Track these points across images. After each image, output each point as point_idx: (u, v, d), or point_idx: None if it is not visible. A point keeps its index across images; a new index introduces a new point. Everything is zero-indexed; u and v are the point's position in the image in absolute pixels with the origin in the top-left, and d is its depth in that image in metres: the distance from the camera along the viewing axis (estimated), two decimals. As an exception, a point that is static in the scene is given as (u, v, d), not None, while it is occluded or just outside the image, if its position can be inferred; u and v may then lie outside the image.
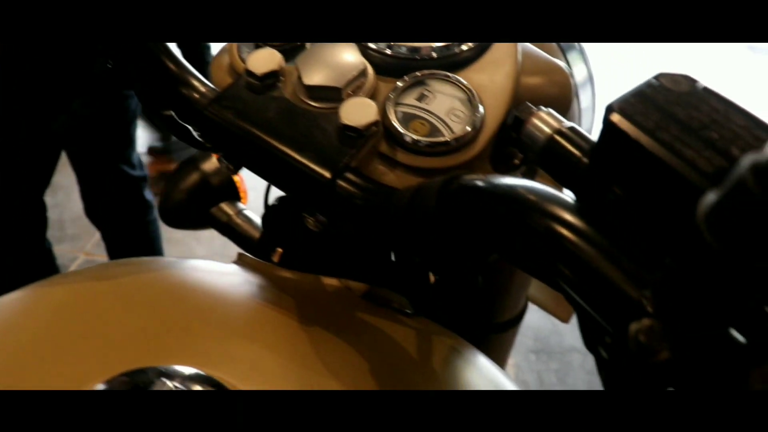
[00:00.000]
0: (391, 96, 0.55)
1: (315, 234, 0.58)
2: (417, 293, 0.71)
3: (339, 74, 0.55)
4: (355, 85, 0.55)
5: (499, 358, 0.88)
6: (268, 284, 0.59)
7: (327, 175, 0.50)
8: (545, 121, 0.45)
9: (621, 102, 0.36)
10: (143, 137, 3.13)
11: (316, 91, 0.55)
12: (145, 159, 3.02)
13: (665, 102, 0.37)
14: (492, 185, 0.41)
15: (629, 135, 0.35)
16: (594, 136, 0.41)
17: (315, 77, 0.55)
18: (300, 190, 0.53)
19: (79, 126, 1.86)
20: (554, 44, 0.76)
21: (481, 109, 0.54)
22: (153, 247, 2.16)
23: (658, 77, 0.38)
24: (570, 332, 2.22)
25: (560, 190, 0.41)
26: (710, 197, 0.27)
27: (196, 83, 0.58)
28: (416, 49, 0.57)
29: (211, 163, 1.00)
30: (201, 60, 2.21)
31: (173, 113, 0.60)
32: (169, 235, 2.37)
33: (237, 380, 0.47)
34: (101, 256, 2.50)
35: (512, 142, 0.50)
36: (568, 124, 0.44)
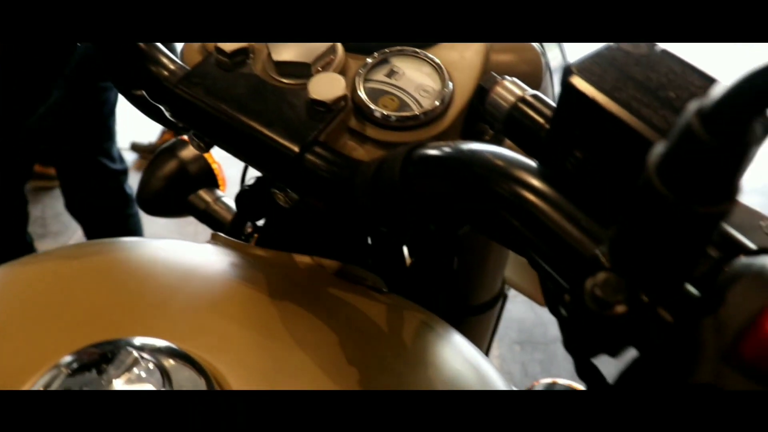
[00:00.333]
0: (361, 72, 0.55)
1: (286, 211, 0.58)
2: (393, 273, 0.71)
3: (308, 50, 0.55)
4: (324, 61, 0.56)
5: (477, 341, 0.88)
6: (241, 262, 0.59)
7: (295, 149, 0.50)
8: (509, 89, 0.45)
9: (579, 63, 0.37)
10: (127, 132, 3.13)
11: (285, 67, 0.55)
12: (130, 155, 3.01)
13: (623, 63, 0.37)
14: (452, 151, 0.41)
15: (587, 95, 0.35)
16: None
17: (284, 53, 0.55)
18: (269, 165, 0.53)
19: (58, 118, 1.85)
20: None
21: (450, 84, 0.54)
22: None
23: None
24: (554, 323, 2.21)
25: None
26: (659, 147, 0.28)
27: (165, 61, 0.58)
28: None
29: (189, 150, 1.00)
30: None
31: (145, 93, 0.60)
32: (151, 229, 2.36)
33: (206, 353, 0.47)
34: (84, 252, 2.49)
35: (482, 118, 0.51)
36: (532, 92, 0.45)
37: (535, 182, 0.38)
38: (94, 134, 1.98)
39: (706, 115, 0.25)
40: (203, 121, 0.55)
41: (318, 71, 0.55)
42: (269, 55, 0.55)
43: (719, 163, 0.25)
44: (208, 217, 0.97)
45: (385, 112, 0.53)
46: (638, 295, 0.31)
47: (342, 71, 0.56)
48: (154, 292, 0.53)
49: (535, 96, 0.44)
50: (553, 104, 0.44)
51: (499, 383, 0.55)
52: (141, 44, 0.59)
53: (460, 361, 0.56)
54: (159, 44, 0.60)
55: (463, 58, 0.56)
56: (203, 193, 0.99)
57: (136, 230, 2.15)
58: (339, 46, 0.57)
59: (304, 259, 0.60)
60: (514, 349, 2.20)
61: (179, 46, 0.62)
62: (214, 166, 1.02)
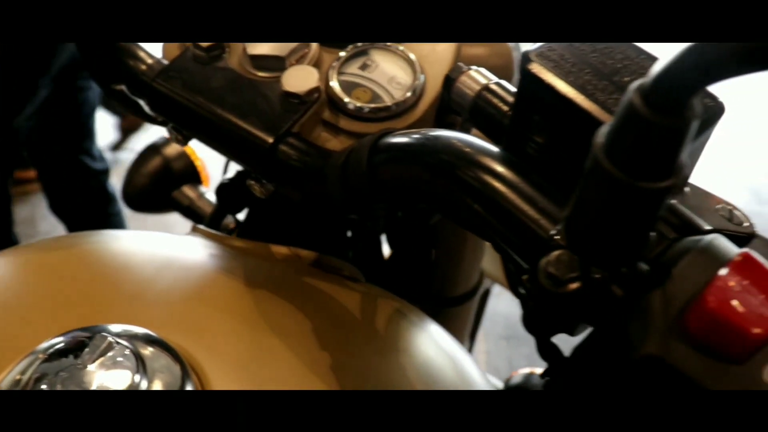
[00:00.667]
0: (334, 65, 0.56)
1: (264, 202, 0.59)
2: (371, 265, 0.72)
3: (282, 44, 0.56)
4: (298, 54, 0.57)
5: (456, 332, 0.89)
6: (219, 252, 0.60)
7: (269, 140, 0.52)
8: (474, 79, 0.46)
9: (538, 51, 0.38)
10: (110, 132, 3.13)
11: (260, 61, 0.56)
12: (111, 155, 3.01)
13: (581, 51, 0.38)
14: (416, 138, 0.43)
15: (544, 80, 0.37)
16: None
17: (259, 47, 0.56)
18: (244, 156, 0.54)
19: (43, 117, 1.85)
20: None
21: (421, 77, 0.55)
22: None
23: None
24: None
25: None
26: (605, 126, 0.29)
27: (143, 56, 0.59)
28: None
29: (173, 147, 1.01)
30: None
31: (124, 87, 0.61)
32: (137, 229, 2.36)
33: (182, 340, 0.48)
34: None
35: (452, 109, 0.52)
36: (496, 80, 0.46)
37: (494, 166, 0.39)
38: (75, 133, 1.98)
39: (646, 92, 0.26)
40: (181, 114, 0.56)
41: (292, 64, 0.56)
42: (245, 49, 0.56)
43: (661, 138, 0.27)
44: (191, 212, 0.98)
45: (358, 104, 0.54)
46: (591, 272, 0.32)
47: (316, 64, 0.57)
48: (132, 282, 0.54)
49: (498, 84, 0.45)
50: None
51: (471, 369, 0.56)
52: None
53: (433, 347, 0.57)
54: None
55: (435, 52, 0.57)
56: (187, 189, 1.00)
57: (120, 229, 2.15)
58: (313, 39, 0.58)
59: (281, 250, 0.61)
60: (501, 344, 2.22)
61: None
62: (197, 162, 1.03)
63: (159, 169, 1.00)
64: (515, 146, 0.41)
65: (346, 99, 0.54)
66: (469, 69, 0.47)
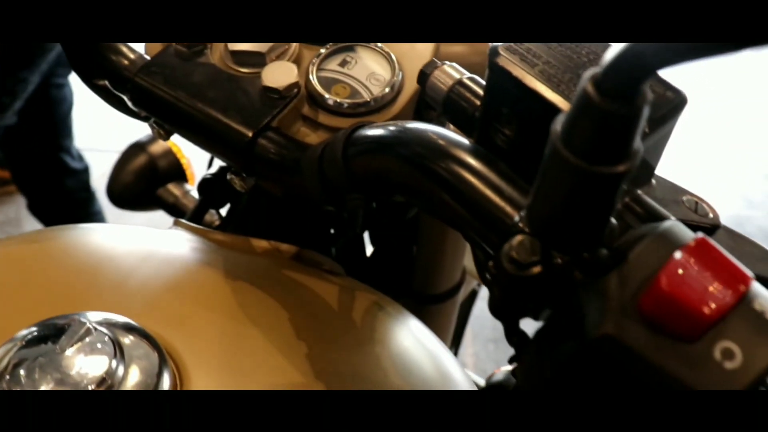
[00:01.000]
0: (314, 61, 0.57)
1: (244, 196, 0.60)
2: (352, 261, 0.73)
3: None
4: (279, 50, 0.58)
5: (438, 330, 0.90)
6: (200, 246, 0.61)
7: (248, 134, 0.53)
8: (447, 73, 0.47)
9: (506, 45, 0.39)
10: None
11: (241, 56, 0.57)
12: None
13: (547, 45, 0.39)
14: (388, 130, 0.44)
15: (511, 73, 0.38)
16: None
17: (240, 44, 0.57)
18: (224, 150, 0.55)
19: (27, 114, 1.84)
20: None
21: (400, 73, 0.56)
22: None
23: None
24: (528, 321, 2.24)
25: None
26: (561, 116, 0.30)
27: (126, 51, 0.60)
28: None
29: (159, 145, 1.02)
30: None
31: (107, 83, 0.62)
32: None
33: (161, 328, 0.49)
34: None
35: (430, 105, 0.53)
36: (469, 75, 0.47)
37: (462, 156, 0.40)
38: (54, 131, 1.98)
39: (599, 79, 0.27)
40: (162, 109, 0.57)
41: (273, 60, 0.57)
42: (226, 45, 0.57)
43: (614, 124, 0.28)
44: (176, 210, 0.99)
45: (337, 99, 0.55)
46: (552, 257, 0.33)
47: (296, 60, 0.58)
48: (112, 273, 0.55)
49: (471, 79, 0.46)
50: None
51: (449, 361, 0.57)
52: None
53: (411, 339, 0.58)
54: None
55: (414, 49, 0.58)
56: (172, 187, 1.01)
57: None
58: (293, 36, 0.59)
59: (261, 244, 0.62)
60: (489, 347, 2.22)
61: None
62: (183, 160, 1.04)
63: (144, 166, 1.01)
64: (486, 138, 0.42)
65: (326, 94, 0.55)
66: (443, 64, 0.48)
